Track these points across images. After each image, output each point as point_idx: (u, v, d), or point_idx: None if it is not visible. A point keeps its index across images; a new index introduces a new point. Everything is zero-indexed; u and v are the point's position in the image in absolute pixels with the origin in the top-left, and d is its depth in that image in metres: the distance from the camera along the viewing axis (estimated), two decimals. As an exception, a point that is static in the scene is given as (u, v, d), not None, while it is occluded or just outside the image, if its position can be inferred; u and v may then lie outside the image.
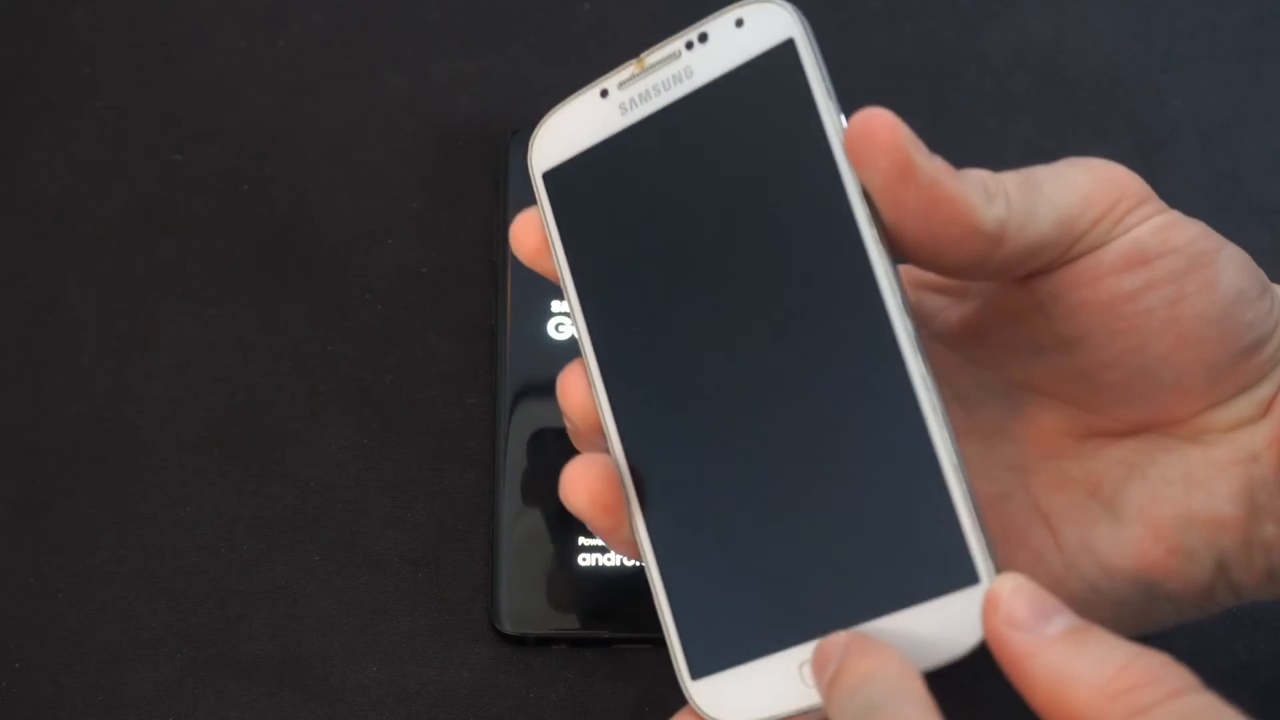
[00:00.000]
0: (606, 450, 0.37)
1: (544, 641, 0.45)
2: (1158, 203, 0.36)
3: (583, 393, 0.37)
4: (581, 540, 0.46)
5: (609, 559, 0.46)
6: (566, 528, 0.46)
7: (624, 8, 0.54)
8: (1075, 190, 0.35)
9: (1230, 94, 0.53)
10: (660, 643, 0.45)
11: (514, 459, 0.47)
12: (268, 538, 0.47)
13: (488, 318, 0.49)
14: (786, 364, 0.35)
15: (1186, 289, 0.35)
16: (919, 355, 0.33)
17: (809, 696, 0.34)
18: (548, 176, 0.38)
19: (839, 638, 0.33)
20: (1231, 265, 0.36)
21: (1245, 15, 0.54)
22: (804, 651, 0.34)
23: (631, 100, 0.37)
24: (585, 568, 0.46)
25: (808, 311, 0.34)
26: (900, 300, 0.33)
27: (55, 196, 0.51)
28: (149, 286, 0.50)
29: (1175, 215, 0.36)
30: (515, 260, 0.48)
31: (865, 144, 0.33)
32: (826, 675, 0.32)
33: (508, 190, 0.49)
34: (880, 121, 0.33)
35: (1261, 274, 0.37)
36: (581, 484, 0.36)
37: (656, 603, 0.36)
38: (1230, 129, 0.53)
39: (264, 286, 0.50)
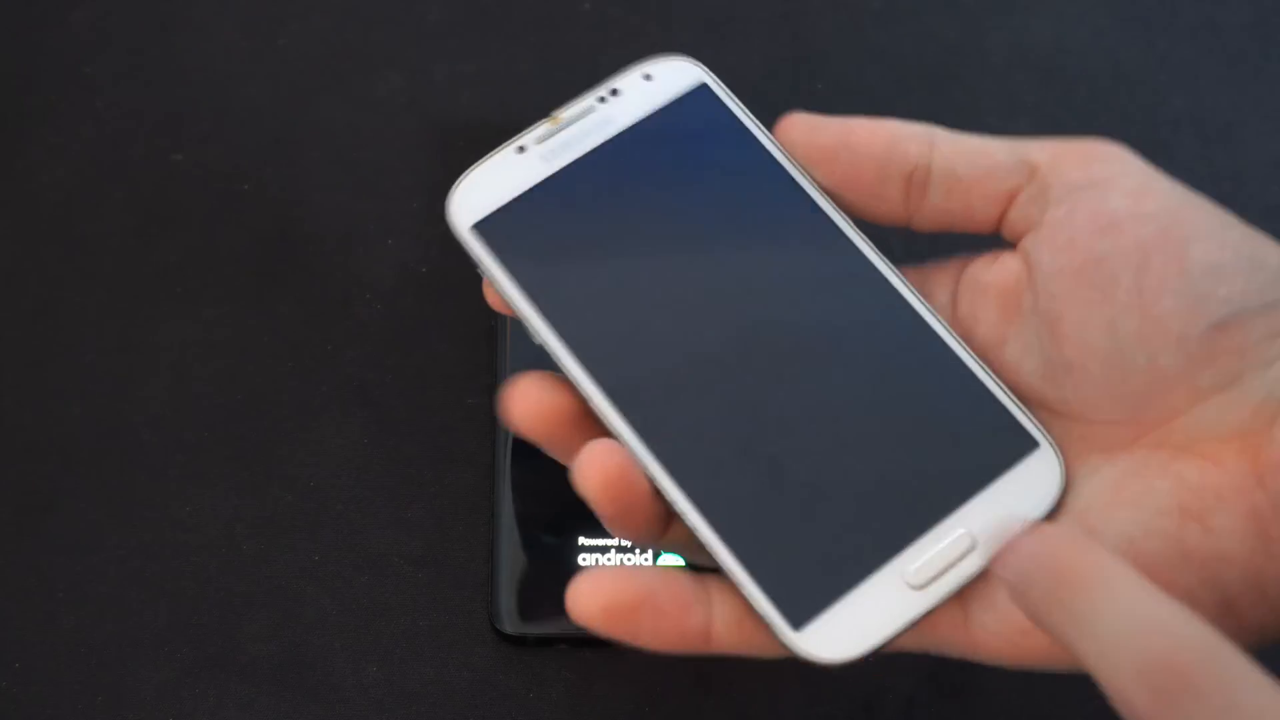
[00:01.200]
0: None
1: (544, 641, 0.45)
2: (1139, 166, 0.36)
3: (535, 399, 0.36)
4: (581, 540, 0.46)
5: (609, 559, 0.46)
6: (567, 528, 0.46)
7: (624, 7, 0.54)
8: (1030, 140, 0.38)
9: (1230, 94, 0.53)
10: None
11: (514, 459, 0.47)
12: (268, 538, 0.47)
13: (488, 318, 0.49)
14: (785, 320, 0.37)
15: (1153, 259, 0.34)
16: (904, 282, 0.37)
17: (919, 603, 0.34)
18: (478, 228, 0.38)
19: (1014, 527, 0.33)
20: (1207, 240, 0.34)
21: (1245, 15, 0.54)
22: (902, 562, 0.35)
23: (552, 151, 0.39)
24: (585, 568, 0.45)
25: (792, 270, 0.38)
26: (870, 243, 0.37)
27: (55, 196, 0.51)
28: (149, 286, 0.50)
29: (1157, 184, 0.35)
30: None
31: (783, 129, 0.38)
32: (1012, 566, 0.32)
33: (508, 190, 0.49)
34: (791, 115, 0.38)
35: (1256, 246, 0.35)
36: (596, 468, 0.34)
37: (728, 571, 0.35)
38: (1230, 129, 0.53)
39: (264, 286, 0.50)
